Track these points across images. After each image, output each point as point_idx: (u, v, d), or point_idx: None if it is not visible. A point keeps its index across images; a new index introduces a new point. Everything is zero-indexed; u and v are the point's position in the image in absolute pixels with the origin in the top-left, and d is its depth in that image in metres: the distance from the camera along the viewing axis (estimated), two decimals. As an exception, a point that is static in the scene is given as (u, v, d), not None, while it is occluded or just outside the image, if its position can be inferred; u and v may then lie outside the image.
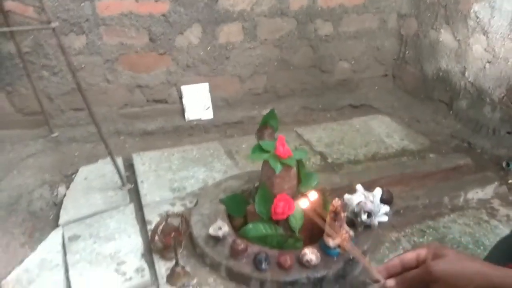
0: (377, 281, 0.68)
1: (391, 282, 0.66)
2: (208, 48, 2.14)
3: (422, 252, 0.65)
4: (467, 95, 2.08)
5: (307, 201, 0.94)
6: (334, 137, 2.04)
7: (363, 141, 2.00)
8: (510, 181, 1.71)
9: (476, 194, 1.59)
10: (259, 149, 1.31)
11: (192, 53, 2.13)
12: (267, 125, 1.36)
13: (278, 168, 1.23)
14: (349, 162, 1.83)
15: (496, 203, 1.59)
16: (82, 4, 1.85)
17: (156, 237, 1.25)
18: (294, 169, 1.29)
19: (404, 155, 1.88)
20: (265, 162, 1.29)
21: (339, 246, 1.19)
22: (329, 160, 1.84)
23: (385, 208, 1.33)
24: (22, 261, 1.32)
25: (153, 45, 2.04)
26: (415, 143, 1.98)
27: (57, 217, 1.53)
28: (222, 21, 2.10)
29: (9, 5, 1.72)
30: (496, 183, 1.63)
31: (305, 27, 2.27)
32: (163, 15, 1.99)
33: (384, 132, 2.09)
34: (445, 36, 2.16)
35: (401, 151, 1.92)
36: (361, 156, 1.88)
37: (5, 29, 1.55)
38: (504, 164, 1.78)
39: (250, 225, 1.27)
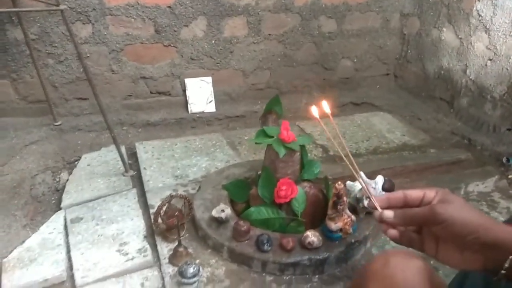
0: (374, 208, 0.67)
1: (389, 213, 0.64)
2: (213, 42, 2.16)
3: (430, 194, 0.63)
4: (468, 93, 2.10)
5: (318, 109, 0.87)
6: (335, 131, 2.05)
7: (364, 136, 2.01)
8: (510, 176, 1.72)
9: (476, 187, 1.61)
10: (263, 134, 1.32)
11: (197, 46, 2.14)
12: (271, 110, 1.37)
13: (282, 152, 1.24)
14: (351, 155, 1.83)
15: (496, 196, 1.60)
16: (90, -7, 1.87)
17: (159, 219, 1.26)
18: (298, 154, 1.29)
19: (405, 150, 1.89)
20: (269, 147, 1.30)
21: (341, 230, 1.20)
22: (331, 153, 1.85)
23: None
24: (23, 242, 1.32)
25: (159, 36, 2.06)
26: (416, 139, 1.99)
27: (59, 202, 1.54)
28: (227, 15, 2.12)
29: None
30: (496, 176, 1.64)
31: (309, 24, 2.29)
32: (169, 6, 2.01)
33: (385, 128, 2.10)
34: (447, 35, 2.19)
35: (402, 146, 1.93)
36: (362, 149, 1.89)
37: (14, 9, 1.57)
38: (504, 160, 1.79)
39: (252, 209, 1.28)
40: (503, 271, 0.60)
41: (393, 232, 0.65)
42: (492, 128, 1.97)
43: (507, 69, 1.87)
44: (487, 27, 1.94)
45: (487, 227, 0.59)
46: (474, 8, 1.99)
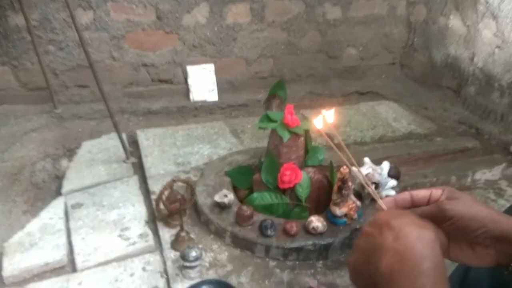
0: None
1: None
2: (215, 29, 2.13)
3: (437, 193, 0.62)
4: (475, 81, 2.06)
5: (323, 120, 0.85)
6: (340, 120, 2.02)
7: (370, 125, 1.98)
8: (518, 164, 1.69)
9: (483, 175, 1.58)
10: (267, 119, 1.30)
11: (199, 33, 2.11)
12: (275, 95, 1.35)
13: (286, 136, 1.22)
14: (356, 143, 1.81)
15: (503, 184, 1.57)
16: (91, -22, 1.84)
17: (161, 204, 1.24)
18: (302, 139, 1.27)
19: (411, 138, 1.86)
20: (273, 131, 1.27)
21: (345, 215, 1.18)
22: (335, 141, 1.81)
23: (393, 182, 1.31)
24: (24, 227, 1.30)
25: (160, 23, 2.03)
26: (422, 127, 1.96)
27: (59, 188, 1.52)
28: (230, 1, 2.09)
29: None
30: (504, 164, 1.61)
31: (313, 10, 2.25)
32: (171, -8, 1.98)
33: (391, 116, 2.07)
34: (454, 22, 2.14)
35: (408, 134, 1.90)
36: (367, 138, 1.86)
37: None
38: (511, 149, 1.76)
39: (255, 194, 1.26)
40: None
41: None
42: (499, 117, 1.94)
43: (515, 56, 1.84)
44: (495, 14, 1.90)
45: (496, 220, 0.57)
46: (482, -6, 1.95)
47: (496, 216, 0.58)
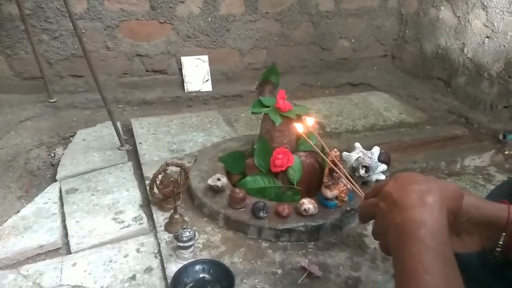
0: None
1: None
2: (209, 19, 2.14)
3: None
4: (465, 72, 2.10)
5: (303, 125, 0.96)
6: (332, 110, 2.05)
7: (361, 114, 2.01)
8: (506, 152, 1.72)
9: (472, 161, 1.61)
10: (260, 104, 1.32)
11: (193, 23, 2.12)
12: (268, 80, 1.36)
13: (278, 120, 1.24)
14: (348, 131, 1.84)
15: (492, 170, 1.60)
16: (84, -33, 1.85)
17: (155, 188, 1.25)
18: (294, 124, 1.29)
19: (402, 127, 1.89)
20: (265, 116, 1.29)
21: (336, 198, 1.20)
22: (328, 130, 1.85)
23: (383, 166, 1.34)
24: (18, 211, 1.31)
25: (154, 13, 2.04)
26: (413, 117, 1.99)
27: (54, 176, 1.53)
28: (224, -9, 2.10)
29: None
30: (492, 151, 1.64)
31: (307, 2, 2.27)
32: (165, -18, 1.99)
33: (382, 106, 2.10)
34: (445, 13, 2.17)
35: (399, 123, 1.93)
36: (359, 126, 1.89)
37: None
38: (501, 137, 1.79)
39: (248, 178, 1.27)
40: (498, 249, 0.61)
41: None
42: (489, 106, 1.97)
43: (504, 46, 1.87)
44: (485, 4, 1.93)
45: (478, 206, 0.60)
46: (473, -15, 1.98)
47: (477, 203, 0.61)
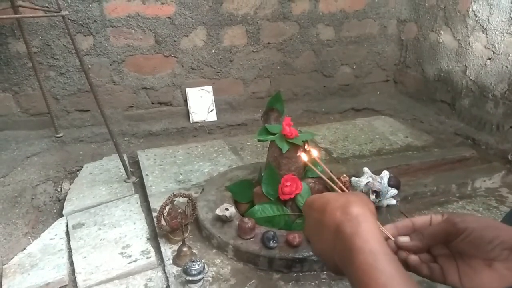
0: (386, 239, 0.62)
1: (404, 238, 0.60)
2: (213, 51, 2.18)
3: (437, 217, 0.61)
4: (469, 93, 2.10)
5: (308, 155, 0.98)
6: (338, 135, 2.04)
7: (367, 139, 2.00)
8: (517, 172, 1.70)
9: (483, 183, 1.58)
10: (265, 131, 1.32)
11: (197, 56, 2.16)
12: (273, 108, 1.37)
13: (285, 147, 1.23)
14: (354, 156, 1.83)
15: (504, 191, 1.57)
16: (90, 5, 1.90)
17: (162, 220, 1.23)
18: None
19: (409, 151, 1.87)
20: (272, 144, 1.29)
21: (348, 224, 1.17)
22: (334, 155, 1.84)
23: (393, 191, 1.32)
24: (24, 248, 1.30)
25: (159, 47, 2.08)
26: (420, 140, 1.98)
27: (60, 211, 1.53)
28: (226, 24, 2.15)
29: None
30: (503, 172, 1.62)
31: (307, 32, 2.32)
32: (169, 17, 2.04)
33: (388, 130, 2.09)
34: (445, 37, 2.20)
35: (406, 147, 1.91)
36: (366, 151, 1.87)
37: (15, 16, 1.59)
38: (510, 157, 1.77)
39: (257, 207, 1.26)
40: None
41: (414, 257, 0.60)
42: (495, 127, 1.96)
43: (506, 66, 1.88)
44: (484, 26, 1.96)
45: (507, 229, 0.56)
46: (470, 9, 2.01)
47: (504, 226, 0.56)
